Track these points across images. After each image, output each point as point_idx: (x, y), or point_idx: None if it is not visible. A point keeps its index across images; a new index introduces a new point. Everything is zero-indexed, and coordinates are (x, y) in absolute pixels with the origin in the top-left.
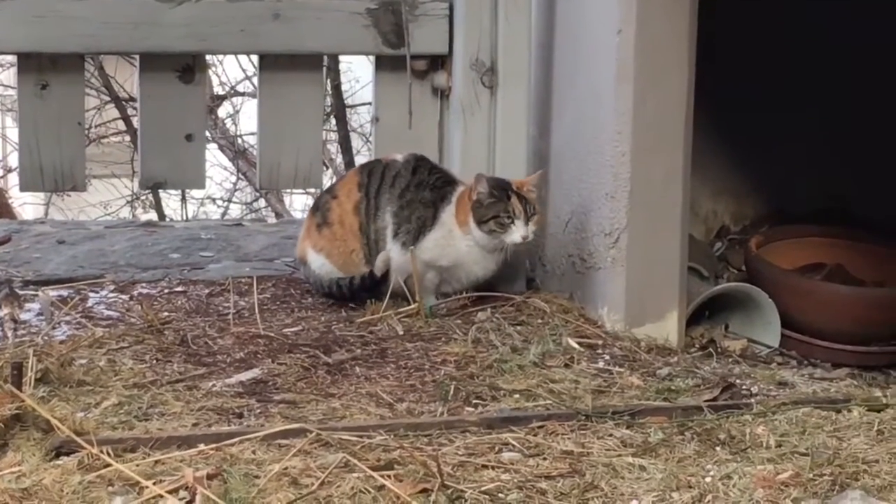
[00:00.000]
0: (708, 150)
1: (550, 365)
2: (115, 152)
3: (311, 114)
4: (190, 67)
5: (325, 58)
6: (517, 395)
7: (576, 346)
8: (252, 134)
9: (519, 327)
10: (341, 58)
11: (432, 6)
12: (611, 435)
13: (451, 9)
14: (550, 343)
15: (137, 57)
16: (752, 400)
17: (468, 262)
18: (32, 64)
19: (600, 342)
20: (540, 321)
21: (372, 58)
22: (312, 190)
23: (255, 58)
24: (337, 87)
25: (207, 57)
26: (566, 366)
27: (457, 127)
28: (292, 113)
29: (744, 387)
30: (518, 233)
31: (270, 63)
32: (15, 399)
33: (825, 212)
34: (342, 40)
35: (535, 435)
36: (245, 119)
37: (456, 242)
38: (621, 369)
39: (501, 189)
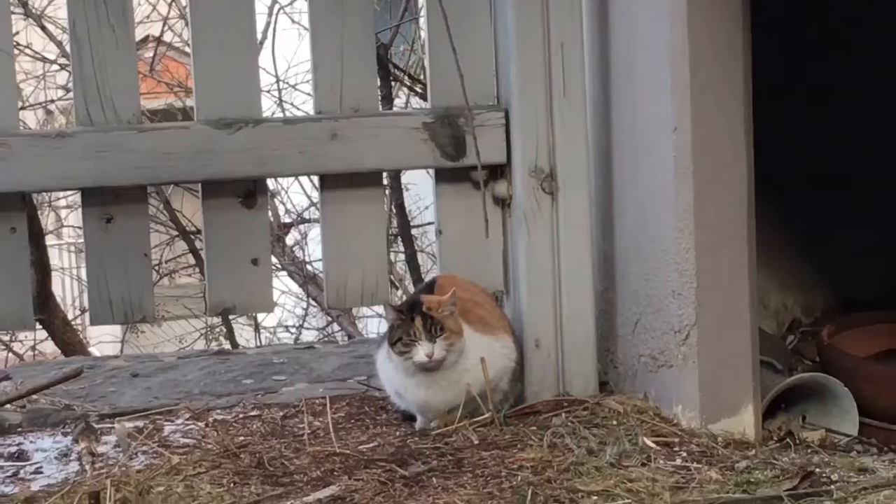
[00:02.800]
0: (773, 242)
1: (627, 465)
2: (189, 291)
3: (375, 230)
4: (251, 192)
5: (386, 175)
6: (595, 497)
7: (652, 444)
8: (320, 260)
9: (594, 429)
10: (404, 178)
11: (488, 116)
12: None
13: (506, 117)
14: (626, 443)
15: (199, 185)
16: (833, 487)
17: (411, 385)
18: (96, 198)
19: (677, 440)
20: (615, 422)
21: (432, 173)
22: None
23: (315, 178)
24: (400, 206)
25: (272, 184)
26: (643, 464)
27: (520, 235)
28: (355, 230)
29: (823, 475)
30: (422, 351)
31: (331, 182)
32: None
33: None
34: (400, 156)
35: None
36: (313, 245)
37: (395, 366)
38: (699, 465)
39: (410, 310)
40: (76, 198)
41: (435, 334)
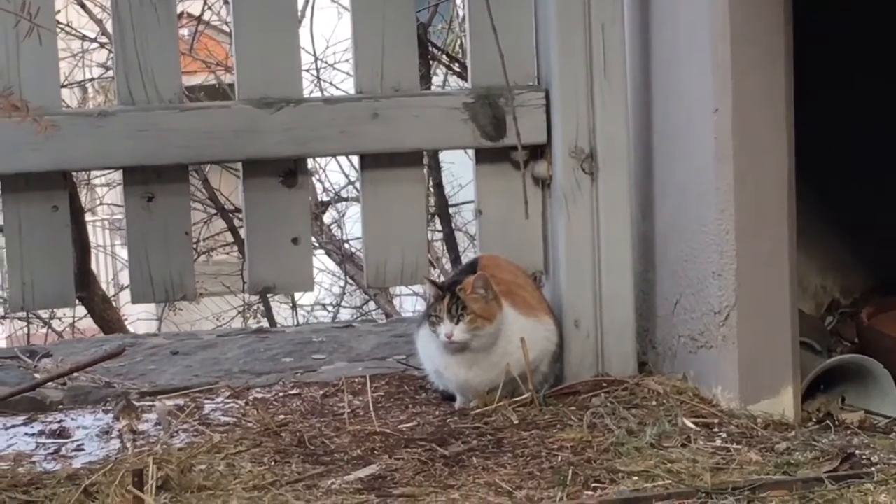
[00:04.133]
0: (812, 224)
1: (667, 445)
2: (225, 269)
3: (415, 210)
4: (292, 171)
5: (426, 155)
6: (635, 477)
7: (692, 425)
8: (358, 238)
9: (634, 410)
10: (442, 158)
11: (528, 97)
12: None
13: (547, 98)
14: (666, 424)
15: (240, 165)
16: (873, 469)
17: (452, 364)
18: (137, 177)
19: (716, 421)
20: (654, 403)
21: (472, 154)
22: (420, 290)
23: (355, 159)
24: (439, 186)
25: (309, 163)
26: (683, 445)
27: (559, 215)
28: (395, 210)
29: (864, 457)
30: (443, 331)
31: (371, 162)
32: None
33: None
34: (441, 136)
35: None
36: (350, 223)
37: (432, 342)
38: (739, 446)
39: (447, 289)
40: (113, 175)
41: (457, 315)
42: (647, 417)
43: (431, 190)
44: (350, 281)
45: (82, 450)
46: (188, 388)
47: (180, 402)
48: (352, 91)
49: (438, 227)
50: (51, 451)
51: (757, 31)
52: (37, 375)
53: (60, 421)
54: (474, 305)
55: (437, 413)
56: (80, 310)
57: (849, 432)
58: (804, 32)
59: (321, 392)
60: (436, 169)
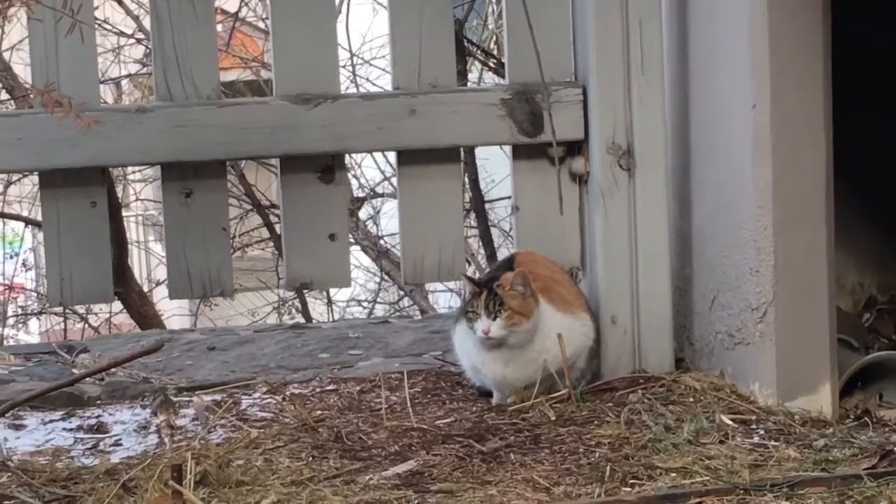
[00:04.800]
0: (850, 221)
1: (705, 442)
2: (258, 265)
3: (451, 206)
4: (329, 167)
5: (462, 151)
6: (674, 474)
7: (729, 422)
8: (393, 234)
9: (671, 406)
10: (476, 154)
11: (566, 93)
12: None
13: (584, 94)
14: (704, 420)
15: (277, 161)
16: None
17: (489, 360)
18: (175, 173)
19: (754, 417)
20: (692, 400)
21: (508, 151)
22: (454, 287)
23: (391, 155)
24: (475, 182)
25: (346, 159)
26: (721, 442)
27: (597, 211)
28: (433, 206)
29: None
30: (480, 327)
31: (408, 158)
32: (178, 498)
33: None
34: (478, 132)
35: None
36: (386, 219)
37: (469, 338)
38: (777, 443)
39: (484, 285)
40: (148, 171)
41: (494, 311)
42: (685, 414)
43: (467, 186)
44: (386, 277)
45: (120, 445)
46: (225, 384)
47: (218, 397)
48: (388, 87)
49: (473, 223)
50: (89, 446)
51: (796, 27)
52: (75, 371)
53: (98, 416)
54: (512, 302)
55: (474, 409)
56: (116, 305)
57: (887, 429)
58: (848, 33)
59: (358, 388)
60: (472, 165)
